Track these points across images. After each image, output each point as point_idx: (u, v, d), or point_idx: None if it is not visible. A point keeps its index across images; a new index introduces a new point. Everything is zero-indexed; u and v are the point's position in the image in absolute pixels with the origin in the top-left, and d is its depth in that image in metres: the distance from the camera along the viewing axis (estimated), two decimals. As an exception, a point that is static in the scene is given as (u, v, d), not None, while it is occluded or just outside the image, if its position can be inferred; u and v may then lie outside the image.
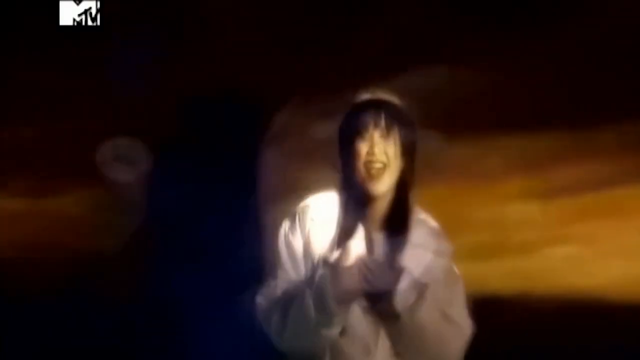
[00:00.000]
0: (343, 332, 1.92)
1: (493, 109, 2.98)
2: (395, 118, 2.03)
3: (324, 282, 1.89)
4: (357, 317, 1.94)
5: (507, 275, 2.92)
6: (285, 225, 2.05)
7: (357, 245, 1.94)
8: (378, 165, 1.99)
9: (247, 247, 2.83)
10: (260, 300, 2.05)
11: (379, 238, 2.00)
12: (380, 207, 2.02)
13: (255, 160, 2.95)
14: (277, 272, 2.03)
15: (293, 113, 2.95)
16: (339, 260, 1.90)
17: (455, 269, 2.09)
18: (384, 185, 1.99)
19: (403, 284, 1.90)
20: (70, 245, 3.00)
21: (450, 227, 2.23)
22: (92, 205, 2.98)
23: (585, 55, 2.99)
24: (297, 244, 2.02)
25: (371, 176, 1.97)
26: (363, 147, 2.00)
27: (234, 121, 2.93)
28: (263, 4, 2.89)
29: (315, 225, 2.01)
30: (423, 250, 1.98)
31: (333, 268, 1.89)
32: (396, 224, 1.99)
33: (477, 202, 2.93)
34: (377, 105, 2.04)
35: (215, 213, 2.90)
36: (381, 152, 1.99)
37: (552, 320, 2.77)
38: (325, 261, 1.92)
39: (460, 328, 2.02)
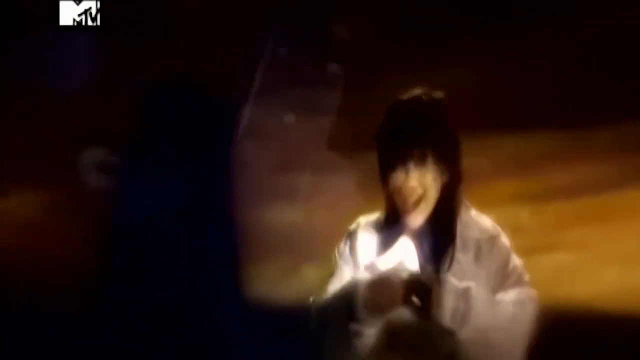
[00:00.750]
0: (406, 323, 1.84)
1: (482, 108, 2.96)
2: (433, 135, 1.89)
3: (356, 289, 1.83)
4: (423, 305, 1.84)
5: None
6: (338, 247, 2.01)
7: (398, 254, 1.88)
8: (414, 197, 1.88)
9: (217, 246, 2.93)
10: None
11: (422, 246, 1.91)
12: (423, 216, 1.93)
13: (227, 158, 3.02)
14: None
15: (267, 108, 3.00)
16: (376, 267, 1.85)
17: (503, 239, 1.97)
18: (420, 217, 1.89)
19: (447, 299, 1.81)
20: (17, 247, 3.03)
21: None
22: (42, 207, 2.99)
23: (580, 55, 2.99)
24: (349, 262, 1.98)
25: (407, 208, 1.88)
26: (397, 177, 1.88)
27: (203, 116, 3.01)
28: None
29: (362, 242, 1.97)
30: (472, 254, 1.89)
31: (370, 276, 1.84)
32: (441, 232, 1.91)
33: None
34: (411, 126, 1.89)
35: (182, 212, 2.99)
36: (416, 184, 1.88)
37: (544, 334, 2.56)
38: (365, 268, 1.87)
39: (521, 301, 1.90)
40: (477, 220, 1.95)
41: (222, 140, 3.02)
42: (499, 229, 1.93)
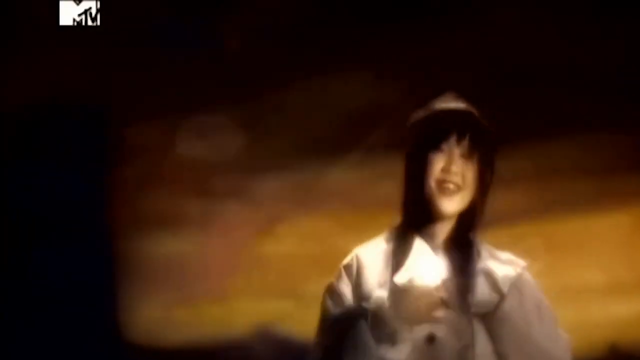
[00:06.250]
0: (431, 340, 1.84)
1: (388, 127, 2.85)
2: (481, 138, 1.91)
3: (382, 303, 1.84)
4: (448, 320, 1.85)
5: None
6: (329, 284, 1.95)
7: (426, 265, 1.88)
8: (451, 186, 1.87)
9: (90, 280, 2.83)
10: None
11: (444, 259, 1.90)
12: (444, 229, 1.91)
13: (102, 182, 2.92)
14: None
15: (148, 130, 2.92)
16: (409, 279, 1.84)
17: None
18: (454, 205, 1.88)
19: (475, 280, 1.84)
20: None
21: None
22: None
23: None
24: (349, 297, 1.92)
25: (443, 193, 1.87)
26: (439, 162, 1.88)
27: (78, 138, 2.95)
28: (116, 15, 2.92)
29: (364, 268, 1.92)
30: (493, 268, 1.88)
31: (404, 288, 1.84)
32: (462, 247, 1.90)
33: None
34: (464, 119, 1.92)
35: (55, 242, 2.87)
36: (458, 173, 1.88)
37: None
38: (393, 282, 1.85)
39: (562, 335, 1.92)
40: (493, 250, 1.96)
41: (96, 160, 2.93)
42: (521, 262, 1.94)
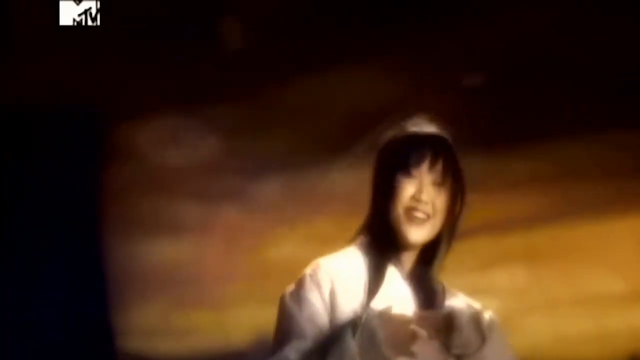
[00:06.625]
0: None
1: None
2: (453, 166, 1.88)
3: (373, 325, 1.77)
4: (426, 357, 1.80)
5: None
6: (292, 292, 1.89)
7: (400, 294, 1.86)
8: (421, 215, 1.84)
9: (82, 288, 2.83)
10: None
11: (414, 286, 1.88)
12: (410, 259, 1.88)
13: (99, 184, 2.92)
14: (288, 343, 1.86)
15: (147, 131, 2.92)
16: (387, 309, 1.78)
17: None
18: (422, 235, 1.85)
19: (461, 320, 1.77)
20: None
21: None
22: None
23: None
24: (317, 307, 1.87)
25: (411, 221, 1.83)
26: (409, 188, 1.85)
27: (77, 138, 2.97)
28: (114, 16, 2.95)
29: (338, 283, 1.87)
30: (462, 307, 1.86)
31: (382, 317, 1.77)
32: (425, 281, 1.87)
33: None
34: (437, 144, 1.88)
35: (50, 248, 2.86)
36: (428, 201, 1.85)
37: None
38: (372, 310, 1.79)
39: None
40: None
41: (94, 162, 2.92)
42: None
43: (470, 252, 2.85)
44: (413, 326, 1.74)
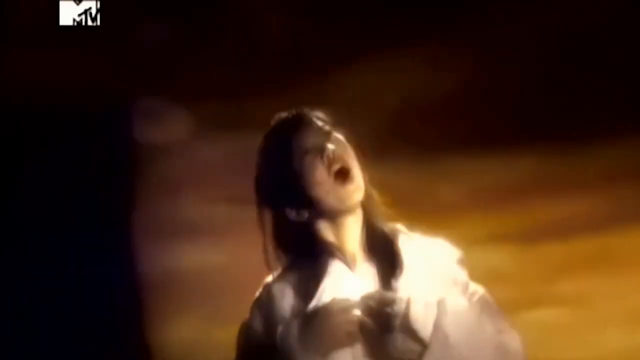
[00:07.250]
0: None
1: (445, 123, 2.84)
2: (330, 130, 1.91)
3: (291, 334, 1.79)
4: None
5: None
6: (241, 328, 1.90)
7: (341, 284, 1.85)
8: (344, 170, 1.84)
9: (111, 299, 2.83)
10: None
11: (364, 271, 1.87)
12: (353, 234, 1.88)
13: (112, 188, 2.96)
14: None
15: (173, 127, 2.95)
16: (321, 304, 1.80)
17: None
18: (359, 187, 1.84)
19: (415, 309, 1.77)
20: None
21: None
22: None
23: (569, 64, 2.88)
24: (257, 329, 1.88)
25: (342, 182, 1.84)
26: (318, 164, 1.85)
27: (77, 139, 3.01)
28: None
29: (274, 301, 1.88)
30: (423, 267, 1.85)
31: (316, 314, 1.80)
32: (380, 249, 1.88)
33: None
34: (297, 124, 1.90)
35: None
36: (340, 158, 1.86)
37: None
38: (303, 312, 1.82)
39: (512, 333, 1.87)
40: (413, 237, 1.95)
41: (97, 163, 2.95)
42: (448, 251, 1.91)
43: (533, 257, 2.87)
44: (349, 318, 1.76)
